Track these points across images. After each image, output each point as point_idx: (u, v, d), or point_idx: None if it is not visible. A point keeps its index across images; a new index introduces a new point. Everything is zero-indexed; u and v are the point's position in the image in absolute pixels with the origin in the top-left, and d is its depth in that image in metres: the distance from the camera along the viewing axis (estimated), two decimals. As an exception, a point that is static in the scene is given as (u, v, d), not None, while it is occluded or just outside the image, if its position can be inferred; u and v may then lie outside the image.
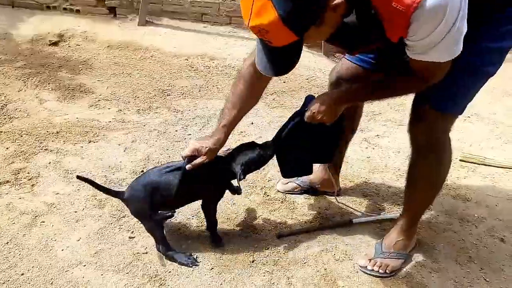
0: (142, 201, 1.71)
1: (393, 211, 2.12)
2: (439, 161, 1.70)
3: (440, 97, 1.54)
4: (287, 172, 1.93)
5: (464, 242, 1.97)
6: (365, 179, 2.37)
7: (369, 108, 2.93)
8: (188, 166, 1.67)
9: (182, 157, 1.72)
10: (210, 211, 1.87)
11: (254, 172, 1.82)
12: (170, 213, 1.80)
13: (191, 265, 1.77)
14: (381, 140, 2.74)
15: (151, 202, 1.71)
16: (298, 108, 1.79)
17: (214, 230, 1.89)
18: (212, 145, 1.69)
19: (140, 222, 1.82)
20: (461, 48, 1.28)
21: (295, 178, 2.21)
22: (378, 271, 1.78)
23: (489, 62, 1.50)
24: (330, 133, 1.75)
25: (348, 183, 2.33)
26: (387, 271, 1.78)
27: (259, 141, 1.82)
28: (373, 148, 2.65)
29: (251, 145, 1.79)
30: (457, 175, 2.43)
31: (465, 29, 1.25)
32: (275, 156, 1.83)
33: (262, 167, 1.85)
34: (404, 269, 1.82)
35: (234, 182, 1.87)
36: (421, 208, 1.84)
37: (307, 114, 1.65)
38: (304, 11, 1.16)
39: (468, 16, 1.25)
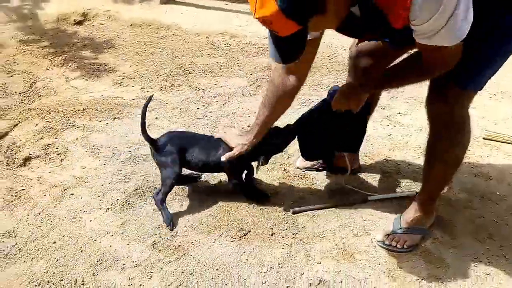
0: (172, 153, 1.90)
1: (412, 188, 2.13)
2: (455, 139, 1.68)
3: (463, 74, 1.51)
4: (308, 155, 2.07)
5: (484, 220, 1.97)
6: (386, 157, 2.37)
7: (391, 85, 2.90)
8: (222, 158, 1.87)
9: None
10: (237, 184, 2.01)
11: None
12: (196, 176, 2.09)
13: (168, 225, 1.88)
14: (402, 118, 2.72)
15: (180, 158, 1.91)
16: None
17: (252, 191, 2.04)
18: (244, 141, 1.86)
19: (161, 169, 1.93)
20: (466, 32, 1.26)
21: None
22: (396, 246, 1.81)
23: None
24: (355, 122, 1.85)
25: (368, 160, 2.34)
26: (404, 246, 1.80)
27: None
28: (394, 126, 2.64)
29: (275, 130, 1.90)
30: (480, 153, 2.40)
31: (470, 13, 1.24)
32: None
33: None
34: (422, 245, 1.84)
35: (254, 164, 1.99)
36: (438, 185, 1.84)
37: (333, 102, 1.73)
38: (303, 3, 1.18)
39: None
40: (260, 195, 2.04)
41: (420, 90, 2.89)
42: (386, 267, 1.75)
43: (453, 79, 1.54)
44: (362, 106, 1.74)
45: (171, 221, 1.88)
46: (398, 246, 1.80)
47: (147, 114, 1.90)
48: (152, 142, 1.92)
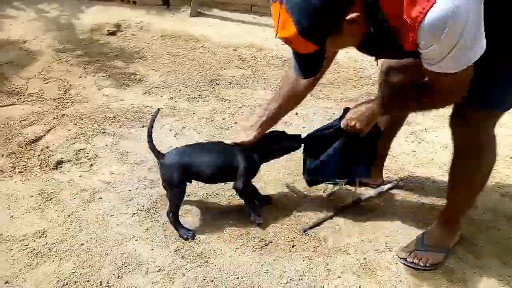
0: (177, 169, 1.86)
1: (438, 206, 2.10)
2: (479, 161, 1.65)
3: (485, 95, 1.50)
4: (310, 172, 1.97)
5: (509, 241, 1.93)
6: (410, 173, 2.36)
7: (417, 102, 2.88)
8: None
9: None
10: (244, 194, 1.97)
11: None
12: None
13: (188, 239, 1.89)
14: (428, 134, 2.70)
15: (184, 172, 1.87)
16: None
17: (251, 206, 2.01)
18: (246, 136, 1.91)
19: (167, 188, 1.92)
20: (473, 59, 1.28)
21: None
22: (418, 264, 1.79)
23: None
24: (365, 146, 1.83)
25: (392, 176, 2.33)
26: (427, 264, 1.79)
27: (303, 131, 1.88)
28: (420, 142, 2.62)
29: (282, 135, 1.96)
30: (508, 173, 2.36)
31: (479, 41, 1.26)
32: None
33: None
34: (445, 264, 1.82)
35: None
36: (461, 205, 1.81)
37: (343, 121, 1.76)
38: (319, 27, 1.28)
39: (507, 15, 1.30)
40: (263, 199, 2.08)
41: (446, 107, 2.88)
42: (407, 285, 1.74)
43: (475, 100, 1.52)
44: (370, 131, 1.74)
45: (189, 235, 1.90)
46: (421, 264, 1.79)
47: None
48: (158, 155, 1.90)
